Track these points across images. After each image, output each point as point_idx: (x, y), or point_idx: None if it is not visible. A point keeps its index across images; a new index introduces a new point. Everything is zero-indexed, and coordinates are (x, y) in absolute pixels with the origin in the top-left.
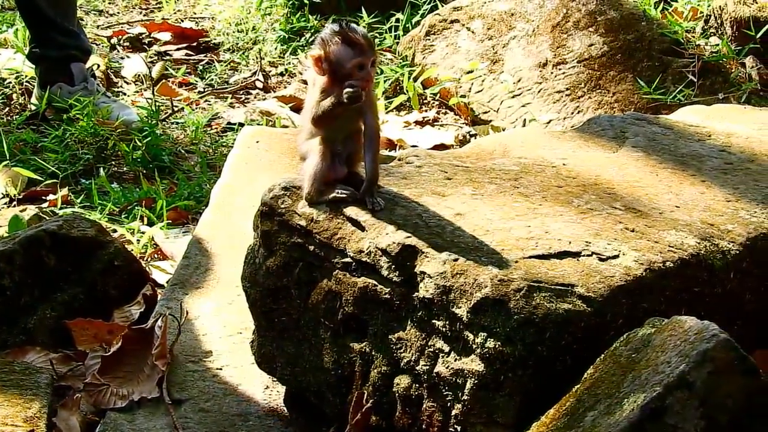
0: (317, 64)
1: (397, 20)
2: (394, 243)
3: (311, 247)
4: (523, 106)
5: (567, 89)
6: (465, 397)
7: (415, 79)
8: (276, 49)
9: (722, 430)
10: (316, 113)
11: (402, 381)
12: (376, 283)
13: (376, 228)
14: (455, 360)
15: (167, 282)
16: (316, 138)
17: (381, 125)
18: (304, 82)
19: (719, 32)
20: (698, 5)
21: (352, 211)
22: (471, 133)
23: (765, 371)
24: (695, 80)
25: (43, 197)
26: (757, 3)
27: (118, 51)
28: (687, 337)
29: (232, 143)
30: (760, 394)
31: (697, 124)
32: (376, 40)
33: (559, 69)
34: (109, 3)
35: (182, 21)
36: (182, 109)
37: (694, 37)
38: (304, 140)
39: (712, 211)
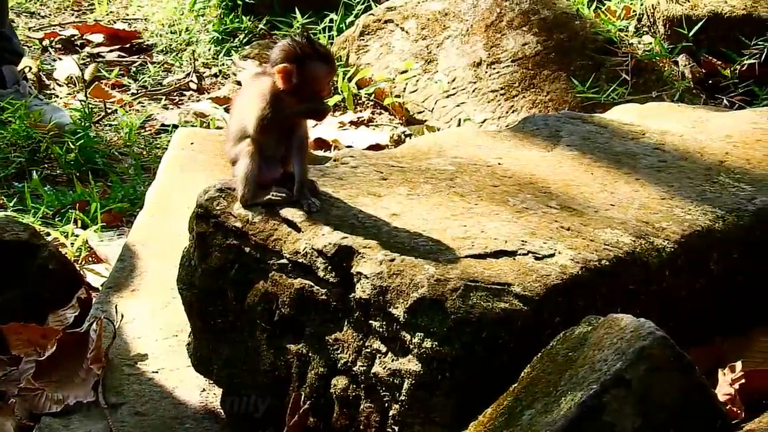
0: (287, 78)
1: (331, 21)
2: (330, 244)
3: (247, 249)
4: (457, 105)
5: (501, 88)
6: (402, 398)
7: (350, 80)
8: (209, 50)
9: (659, 427)
10: (264, 123)
11: (339, 382)
12: (312, 284)
13: (312, 229)
14: (392, 360)
15: (102, 285)
16: (245, 140)
17: (317, 125)
18: (239, 83)
19: (652, 31)
20: (631, 4)
21: (287, 212)
22: (406, 133)
23: (701, 368)
24: (629, 79)
25: None
26: (689, 1)
27: (50, 53)
28: (623, 334)
29: (167, 145)
30: (696, 391)
31: (631, 123)
32: None
33: (494, 68)
34: (41, 5)
35: (115, 22)
36: (115, 111)
37: (627, 35)
38: (233, 144)
39: (647, 209)
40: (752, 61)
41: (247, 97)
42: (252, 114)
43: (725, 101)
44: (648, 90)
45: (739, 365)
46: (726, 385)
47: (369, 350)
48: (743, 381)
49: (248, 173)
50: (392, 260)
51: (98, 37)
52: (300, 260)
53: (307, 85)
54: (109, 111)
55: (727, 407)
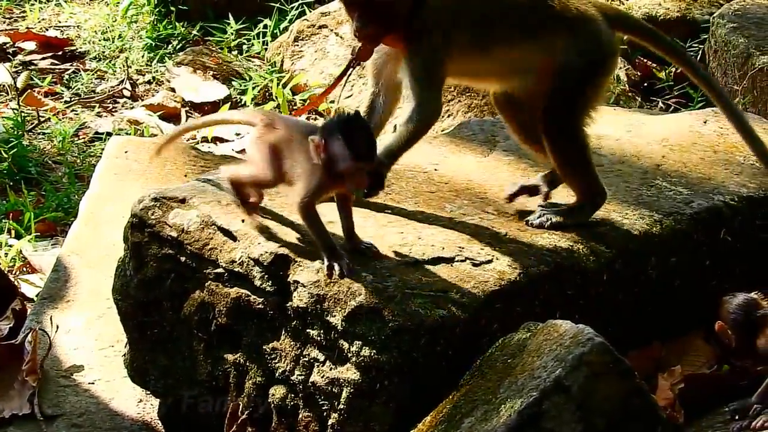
0: (315, 152)
1: (265, 26)
2: (266, 252)
3: (183, 258)
4: None
5: None
6: (341, 406)
7: (284, 86)
8: (143, 56)
9: None
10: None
11: (277, 391)
12: (249, 293)
13: (249, 238)
14: (330, 369)
15: (37, 296)
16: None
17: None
18: (173, 90)
19: None
20: None
21: (223, 220)
22: None
23: (641, 373)
24: None
25: None
26: (623, 4)
27: None
28: (562, 341)
29: (101, 153)
30: (635, 396)
31: None
32: (244, 47)
33: None
34: None
35: (47, 30)
36: (49, 119)
37: None
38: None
39: None
40: None
41: (304, 165)
42: (304, 182)
43: (661, 104)
44: None
45: (678, 369)
46: (666, 389)
47: (307, 359)
48: (682, 385)
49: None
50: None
51: (30, 45)
52: (236, 269)
53: (334, 163)
54: (42, 119)
55: (667, 412)
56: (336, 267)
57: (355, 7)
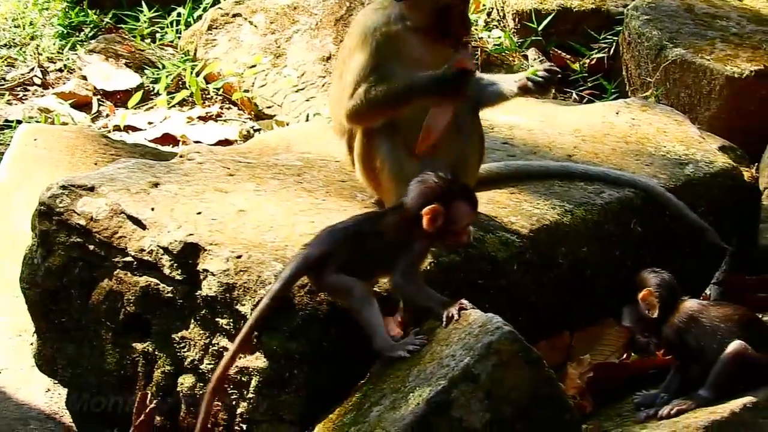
0: (433, 220)
1: (179, 14)
2: (175, 241)
3: (91, 247)
4: (307, 100)
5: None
6: (250, 395)
7: (198, 74)
8: (54, 44)
9: (507, 422)
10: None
11: (186, 380)
12: (158, 281)
13: (158, 226)
14: (240, 358)
15: None
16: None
17: (164, 121)
18: (84, 77)
19: (502, 25)
20: None
21: (132, 209)
22: (255, 128)
23: (550, 362)
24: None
25: None
26: None
27: None
28: (471, 329)
29: (9, 141)
30: (544, 385)
31: (479, 117)
32: (158, 35)
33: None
34: None
35: None
36: None
37: (477, 30)
38: None
39: (496, 204)
40: (601, 55)
41: (396, 249)
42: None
43: (574, 95)
44: None
45: (587, 358)
46: (574, 378)
47: (216, 348)
48: (591, 374)
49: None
50: (239, 257)
51: None
52: (145, 258)
53: (449, 228)
54: None
55: (576, 400)
56: (454, 313)
57: None
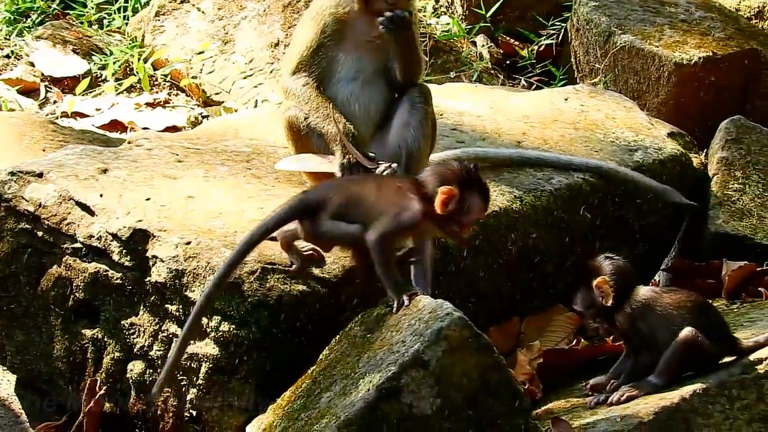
0: (447, 202)
1: (126, 0)
2: (124, 227)
3: (40, 233)
4: (255, 86)
5: None
6: (200, 382)
7: (146, 61)
8: (1, 30)
9: (457, 407)
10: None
11: (136, 367)
12: (107, 268)
13: (107, 212)
14: (189, 344)
15: None
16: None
17: (113, 107)
18: (32, 64)
19: (450, 11)
20: None
21: (81, 195)
22: (203, 114)
23: (500, 348)
24: (427, 59)
25: None
26: None
27: None
28: (421, 315)
29: None
30: (494, 371)
31: (432, 104)
32: (105, 21)
33: None
34: None
35: None
36: None
37: (425, 16)
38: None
39: None
40: (550, 41)
41: (388, 204)
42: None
43: (523, 81)
44: (446, 70)
45: (537, 344)
46: (524, 364)
47: (166, 334)
48: (541, 360)
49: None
50: (188, 243)
51: None
52: (94, 244)
53: (457, 214)
54: None
55: (526, 386)
56: (405, 300)
57: None
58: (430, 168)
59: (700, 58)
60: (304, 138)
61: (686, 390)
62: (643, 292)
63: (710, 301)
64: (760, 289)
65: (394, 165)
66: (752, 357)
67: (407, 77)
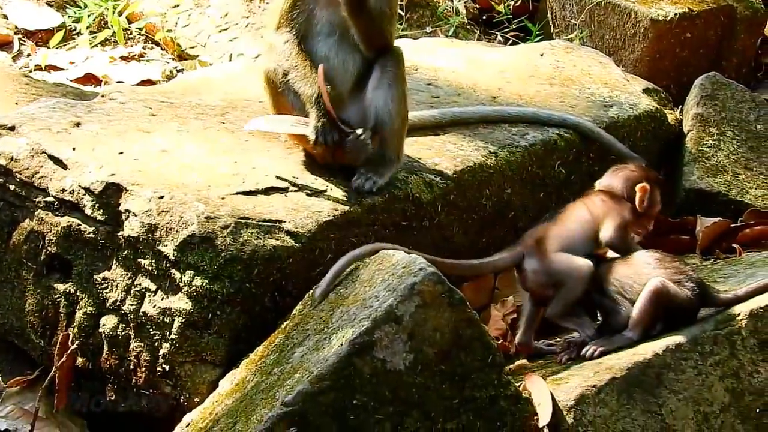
0: (643, 199)
1: None
2: (97, 181)
3: (12, 187)
4: (230, 40)
5: None
6: (173, 336)
7: (120, 14)
8: None
9: (430, 362)
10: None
11: (108, 321)
12: (80, 222)
13: (79, 166)
14: (162, 299)
15: None
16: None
17: (87, 60)
18: (5, 16)
19: None
20: None
21: (53, 149)
22: (178, 68)
23: (474, 303)
24: (402, 14)
25: None
26: None
27: None
28: (395, 271)
29: None
30: (467, 326)
31: (404, 58)
32: None
33: (267, 3)
34: None
35: None
36: None
37: None
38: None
39: (420, 145)
40: None
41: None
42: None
43: (499, 37)
44: (422, 26)
45: (511, 300)
46: (498, 319)
47: (138, 289)
48: (515, 316)
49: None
50: (161, 197)
51: None
52: (67, 198)
53: (648, 212)
54: None
55: (500, 342)
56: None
57: None
58: (609, 174)
59: (675, 14)
60: (281, 95)
61: (659, 345)
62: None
63: (683, 257)
64: (734, 245)
65: (368, 134)
66: (726, 313)
67: (372, 49)
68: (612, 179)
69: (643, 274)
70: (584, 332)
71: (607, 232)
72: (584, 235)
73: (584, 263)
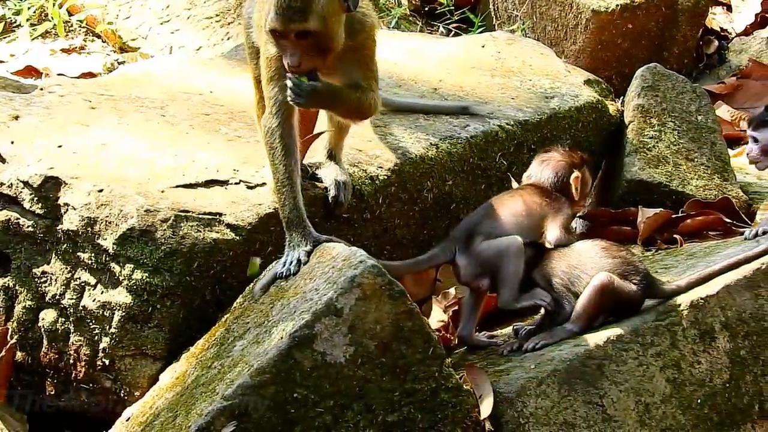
0: (578, 187)
1: None
2: (36, 174)
3: None
4: (172, 32)
5: (216, 15)
6: (113, 330)
7: (61, 6)
8: None
9: (371, 355)
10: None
11: (48, 315)
12: (18, 215)
13: (18, 159)
14: (102, 293)
15: None
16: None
17: (27, 52)
18: None
19: None
20: None
21: None
22: (119, 60)
23: (414, 295)
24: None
25: None
26: None
27: None
28: (335, 263)
29: None
30: (407, 318)
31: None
32: None
33: None
34: None
35: None
36: None
37: None
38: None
39: (361, 137)
40: None
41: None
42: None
43: (441, 28)
44: None
45: (452, 292)
46: (440, 312)
47: (78, 282)
48: (457, 307)
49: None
50: (101, 191)
51: None
52: (5, 191)
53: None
54: None
55: (441, 334)
56: None
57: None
58: (537, 166)
59: (617, 5)
60: None
61: (600, 337)
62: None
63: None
64: (675, 235)
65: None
66: (667, 303)
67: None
68: (542, 173)
69: (589, 266)
70: (544, 300)
71: (553, 234)
72: (519, 228)
73: (510, 239)
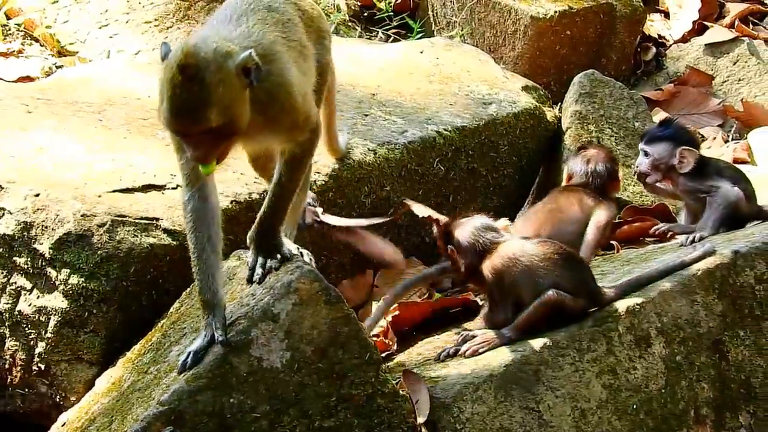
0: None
1: None
2: None
3: None
4: (110, 37)
5: (155, 20)
6: (49, 335)
7: None
8: None
9: (307, 360)
10: None
11: None
12: None
13: None
14: (38, 297)
15: None
16: None
17: None
18: None
19: None
20: None
21: None
22: (57, 64)
23: (353, 300)
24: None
25: None
26: None
27: None
28: None
29: None
30: (344, 324)
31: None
32: None
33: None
34: None
35: None
36: None
37: None
38: None
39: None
40: None
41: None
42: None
43: (380, 34)
44: None
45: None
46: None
47: (14, 287)
48: (396, 313)
49: None
50: (37, 195)
51: None
52: None
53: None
54: None
55: (378, 339)
56: None
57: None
58: (579, 164)
59: (556, 12)
60: None
61: (537, 342)
62: (510, 245)
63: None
64: (611, 242)
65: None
66: (603, 309)
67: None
68: (584, 172)
69: (540, 275)
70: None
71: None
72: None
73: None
